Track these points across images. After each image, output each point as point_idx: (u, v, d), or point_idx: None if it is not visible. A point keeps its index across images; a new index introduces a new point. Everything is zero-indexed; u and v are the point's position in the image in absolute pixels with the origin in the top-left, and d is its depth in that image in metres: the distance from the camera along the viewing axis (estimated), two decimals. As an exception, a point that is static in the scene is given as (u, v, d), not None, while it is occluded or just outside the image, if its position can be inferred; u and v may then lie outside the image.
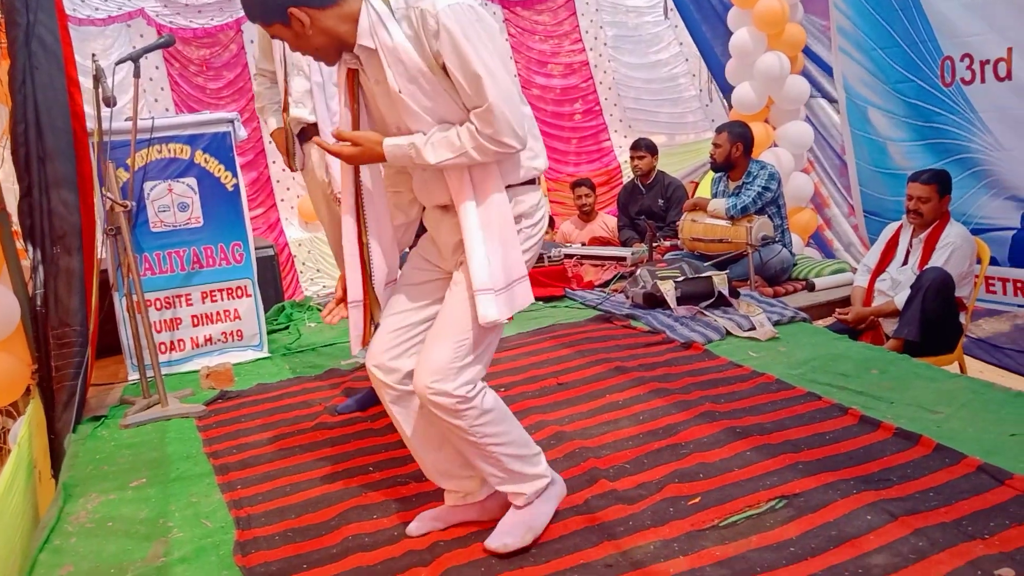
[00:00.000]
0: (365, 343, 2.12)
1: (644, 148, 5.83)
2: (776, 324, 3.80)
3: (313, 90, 3.01)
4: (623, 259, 5.21)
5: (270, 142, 7.02)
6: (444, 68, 1.82)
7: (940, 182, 3.84)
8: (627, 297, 4.44)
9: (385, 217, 2.10)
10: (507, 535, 2.08)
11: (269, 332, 4.29)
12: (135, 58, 3.23)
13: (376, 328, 2.11)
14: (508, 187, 1.96)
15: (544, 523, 2.13)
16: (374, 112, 2.00)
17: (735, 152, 4.78)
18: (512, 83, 1.85)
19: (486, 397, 2.00)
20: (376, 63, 1.87)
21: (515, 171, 1.99)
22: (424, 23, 1.79)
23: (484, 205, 1.92)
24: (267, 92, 3.32)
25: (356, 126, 1.98)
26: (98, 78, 3.16)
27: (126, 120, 3.47)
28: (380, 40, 1.83)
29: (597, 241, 5.93)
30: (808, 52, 5.53)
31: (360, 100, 1.98)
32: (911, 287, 3.74)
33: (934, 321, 3.66)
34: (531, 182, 2.04)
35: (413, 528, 2.23)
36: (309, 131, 3.15)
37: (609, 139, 8.14)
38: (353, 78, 1.95)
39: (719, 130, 4.90)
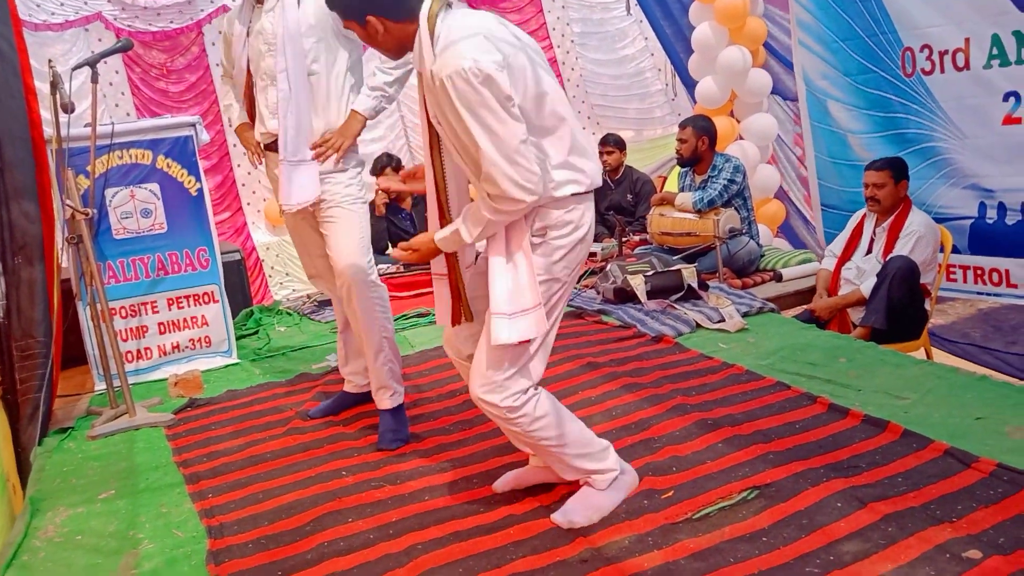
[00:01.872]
0: (456, 322, 2.21)
1: (612, 143, 5.85)
2: (745, 315, 3.84)
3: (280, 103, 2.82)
4: (593, 254, 5.23)
5: (235, 144, 6.99)
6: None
7: (893, 167, 3.91)
8: (598, 292, 4.46)
9: (465, 197, 2.18)
10: (574, 512, 2.17)
11: (238, 338, 4.25)
12: (92, 63, 3.16)
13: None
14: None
15: (610, 508, 2.19)
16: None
17: (701, 146, 4.81)
18: (515, 136, 1.87)
19: (538, 404, 2.08)
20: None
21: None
22: (432, 75, 1.91)
23: (506, 235, 2.01)
24: (235, 90, 3.18)
25: (431, 131, 2.08)
26: (55, 84, 3.10)
27: (85, 126, 3.41)
28: (423, 66, 1.97)
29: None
30: (768, 47, 5.59)
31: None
32: (877, 275, 3.79)
33: (900, 308, 3.71)
34: (560, 200, 2.03)
35: (497, 485, 2.38)
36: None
37: (577, 135, 8.17)
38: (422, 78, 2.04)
39: (683, 125, 4.92)
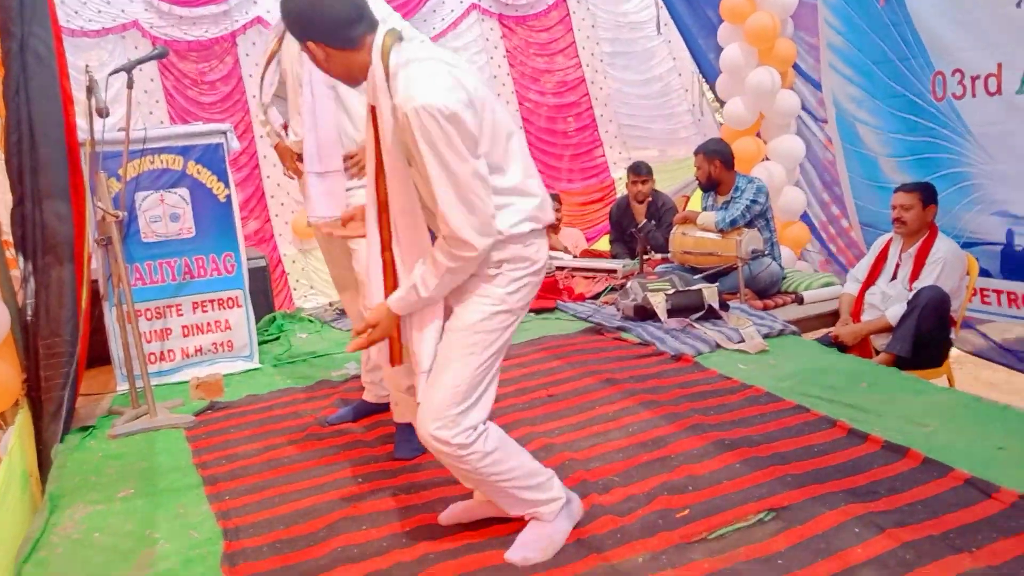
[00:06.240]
0: (395, 362, 2.12)
1: (646, 172, 5.82)
2: (766, 337, 3.81)
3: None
4: (614, 271, 5.22)
5: (265, 155, 7.06)
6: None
7: (922, 191, 3.89)
8: (618, 309, 4.45)
9: (419, 233, 2.05)
10: (528, 549, 2.10)
11: (260, 343, 4.28)
12: (128, 69, 3.23)
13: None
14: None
15: (563, 539, 2.14)
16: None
17: (714, 170, 4.82)
18: (473, 175, 1.86)
19: (488, 439, 2.02)
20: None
21: None
22: (395, 109, 1.89)
23: None
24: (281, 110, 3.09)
25: (379, 160, 2.03)
26: (91, 89, 3.17)
27: (119, 130, 3.47)
28: (377, 100, 1.96)
29: (588, 254, 5.93)
30: (797, 68, 5.58)
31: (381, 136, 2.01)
32: (907, 303, 3.75)
33: (927, 338, 3.67)
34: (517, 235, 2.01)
35: (443, 517, 2.31)
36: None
37: (604, 155, 8.15)
38: (374, 113, 2.01)
39: (696, 152, 4.93)
